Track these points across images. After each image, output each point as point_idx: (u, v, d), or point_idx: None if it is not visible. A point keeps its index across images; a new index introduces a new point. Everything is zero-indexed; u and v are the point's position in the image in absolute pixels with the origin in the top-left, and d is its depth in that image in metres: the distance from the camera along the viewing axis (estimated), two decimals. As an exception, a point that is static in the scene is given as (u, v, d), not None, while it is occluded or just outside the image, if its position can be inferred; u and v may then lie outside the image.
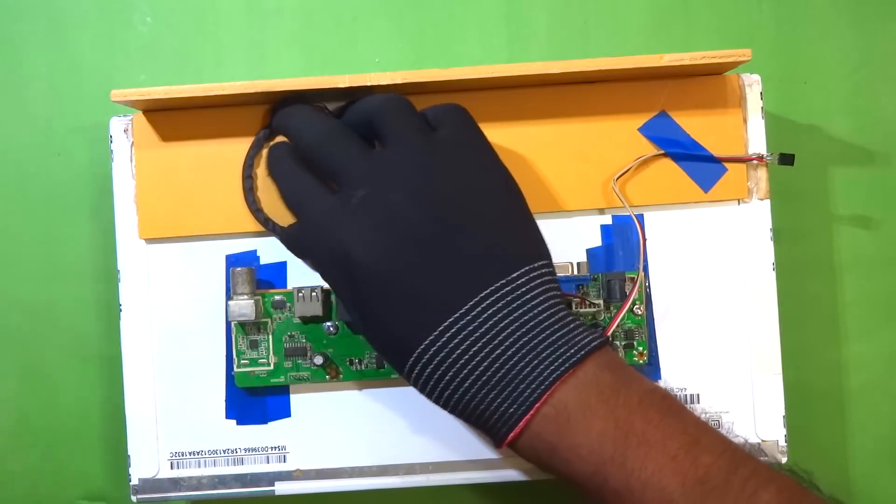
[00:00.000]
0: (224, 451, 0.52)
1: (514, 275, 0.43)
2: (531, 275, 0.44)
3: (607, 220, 0.52)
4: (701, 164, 0.52)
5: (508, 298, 0.43)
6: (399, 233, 0.44)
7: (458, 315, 0.43)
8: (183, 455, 0.52)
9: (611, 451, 0.42)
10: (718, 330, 0.52)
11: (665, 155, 0.52)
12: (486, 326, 0.42)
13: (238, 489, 0.52)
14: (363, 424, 0.52)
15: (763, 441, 0.52)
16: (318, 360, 0.51)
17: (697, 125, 0.52)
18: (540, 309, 0.43)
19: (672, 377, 0.52)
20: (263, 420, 0.52)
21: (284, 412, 0.52)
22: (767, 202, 0.52)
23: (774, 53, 0.57)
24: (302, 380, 0.51)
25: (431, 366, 0.43)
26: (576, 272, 0.52)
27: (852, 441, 0.57)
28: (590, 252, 0.52)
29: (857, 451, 0.57)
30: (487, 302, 0.43)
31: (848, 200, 0.57)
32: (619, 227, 0.52)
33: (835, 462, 0.57)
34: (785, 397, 0.52)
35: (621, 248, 0.52)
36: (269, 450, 0.52)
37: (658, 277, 0.52)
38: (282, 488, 0.52)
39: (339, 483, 0.52)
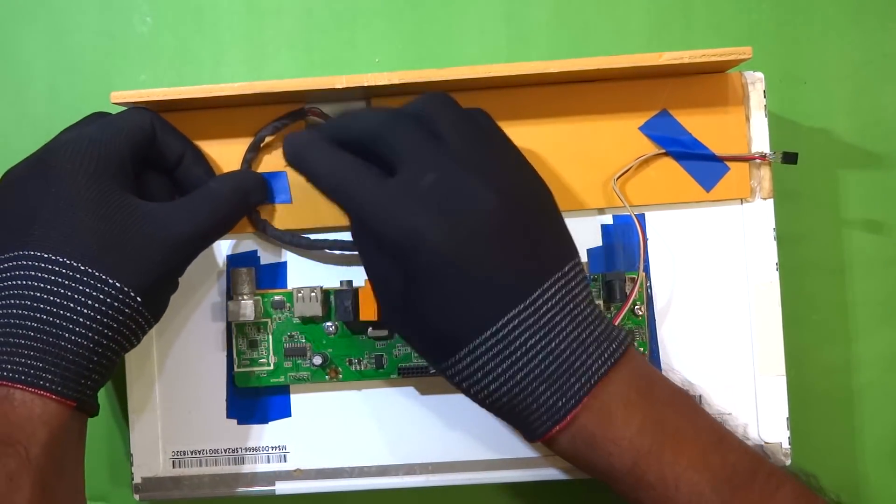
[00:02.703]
0: (225, 451, 0.52)
1: (566, 268, 0.44)
2: (576, 269, 0.44)
3: (608, 219, 0.52)
4: (703, 164, 0.52)
5: (563, 292, 0.43)
6: (473, 219, 0.43)
7: (523, 306, 0.42)
8: (184, 454, 0.52)
9: (649, 443, 0.43)
10: (721, 331, 0.52)
11: (666, 154, 0.52)
12: (545, 319, 0.43)
13: (239, 488, 0.52)
14: (363, 424, 0.52)
15: (766, 443, 0.51)
16: (318, 360, 0.51)
17: (699, 124, 0.52)
18: (585, 303, 0.44)
19: (674, 378, 0.52)
20: (264, 420, 0.52)
21: (285, 412, 0.52)
22: (771, 202, 0.52)
23: (774, 53, 0.57)
24: (302, 380, 0.51)
25: (487, 356, 0.43)
26: (576, 272, 0.51)
27: (857, 442, 0.57)
28: (590, 252, 0.52)
29: (861, 452, 0.57)
30: (547, 294, 0.43)
31: (851, 200, 0.57)
32: (620, 226, 0.52)
33: (839, 463, 0.57)
34: (788, 399, 0.51)
35: (622, 249, 0.52)
36: (270, 449, 0.52)
37: (659, 278, 0.52)
38: (282, 488, 0.52)
39: (339, 483, 0.52)
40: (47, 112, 0.57)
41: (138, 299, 0.44)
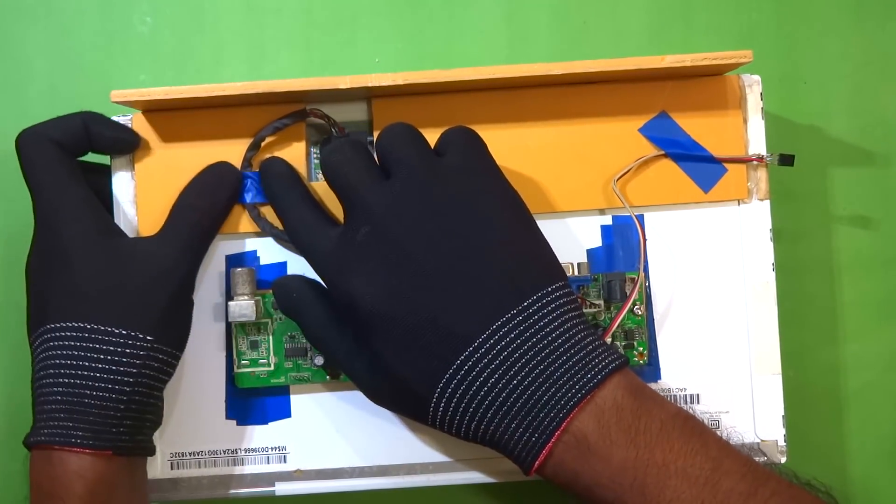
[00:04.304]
0: (224, 452, 0.52)
1: (526, 303, 0.43)
2: (544, 300, 0.43)
3: (607, 220, 0.52)
4: (701, 165, 0.52)
5: (522, 328, 0.43)
6: (404, 272, 0.44)
7: (472, 349, 0.42)
8: (183, 456, 0.52)
9: (631, 479, 0.42)
10: (718, 330, 0.52)
11: (665, 155, 0.52)
12: (501, 357, 0.42)
13: (238, 489, 0.52)
14: (363, 425, 0.52)
15: (762, 441, 0.52)
16: (319, 360, 0.51)
17: (698, 126, 0.52)
18: (555, 335, 0.43)
19: (672, 377, 0.52)
20: (264, 420, 0.52)
21: (285, 412, 0.52)
22: (767, 203, 0.52)
23: (774, 53, 0.57)
24: (302, 380, 0.51)
25: (455, 400, 0.43)
26: (576, 272, 0.51)
27: (851, 441, 0.57)
28: (590, 252, 0.52)
29: (855, 450, 0.57)
30: (500, 333, 0.42)
31: (847, 200, 0.57)
32: (620, 227, 0.52)
33: (833, 462, 0.57)
34: (784, 397, 0.52)
35: (621, 249, 0.52)
36: (270, 450, 0.52)
37: (658, 278, 0.52)
38: (282, 488, 0.52)
39: (339, 483, 0.52)
40: (47, 112, 0.56)
41: (149, 338, 0.46)
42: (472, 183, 0.46)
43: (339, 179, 0.46)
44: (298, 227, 0.48)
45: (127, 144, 0.51)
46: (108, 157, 0.52)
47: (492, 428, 0.43)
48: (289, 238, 0.50)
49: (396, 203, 0.45)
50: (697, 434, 0.43)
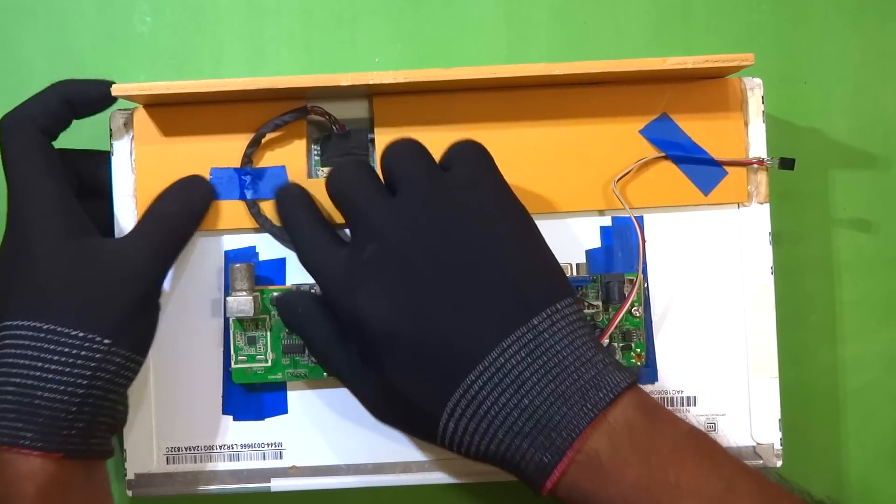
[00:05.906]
0: (220, 447, 0.52)
1: (535, 320, 0.42)
2: (554, 317, 0.43)
3: (607, 221, 0.52)
4: (701, 168, 0.52)
5: (531, 345, 0.42)
6: (412, 291, 0.43)
7: (481, 367, 0.42)
8: (179, 450, 0.52)
9: (644, 499, 0.41)
10: (716, 333, 0.52)
11: (666, 157, 0.52)
12: (511, 375, 0.42)
13: (234, 485, 0.52)
14: (360, 422, 0.52)
15: (758, 444, 0.52)
16: (316, 356, 0.51)
17: (698, 128, 0.52)
18: (566, 352, 0.42)
19: (669, 379, 0.52)
20: (260, 416, 0.52)
21: (281, 409, 0.52)
22: (767, 206, 0.52)
23: (774, 54, 0.57)
24: (299, 376, 0.51)
25: (464, 419, 0.42)
26: (575, 273, 0.51)
27: (850, 441, 0.57)
28: (589, 253, 0.52)
29: (852, 453, 0.57)
30: (510, 351, 0.42)
31: (847, 202, 0.57)
32: (619, 228, 0.52)
33: (830, 464, 0.57)
34: (782, 399, 0.52)
35: (620, 250, 0.52)
36: (266, 446, 0.52)
37: (657, 280, 0.52)
38: (278, 485, 0.52)
39: (334, 480, 0.52)
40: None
41: (106, 342, 0.45)
42: (479, 198, 0.45)
43: (344, 199, 0.46)
44: (308, 248, 0.48)
45: (105, 98, 0.50)
46: (107, 144, 0.52)
47: (502, 448, 0.42)
48: (299, 259, 0.48)
49: (402, 220, 0.44)
50: (710, 454, 0.43)
